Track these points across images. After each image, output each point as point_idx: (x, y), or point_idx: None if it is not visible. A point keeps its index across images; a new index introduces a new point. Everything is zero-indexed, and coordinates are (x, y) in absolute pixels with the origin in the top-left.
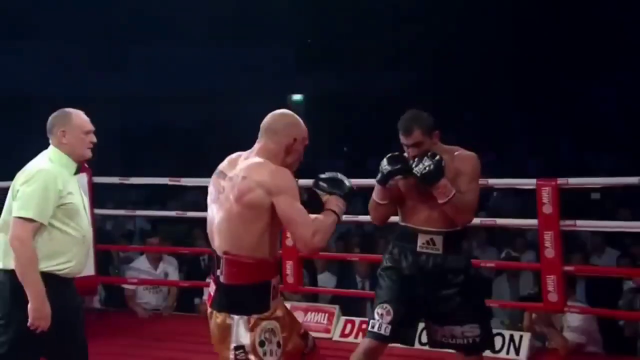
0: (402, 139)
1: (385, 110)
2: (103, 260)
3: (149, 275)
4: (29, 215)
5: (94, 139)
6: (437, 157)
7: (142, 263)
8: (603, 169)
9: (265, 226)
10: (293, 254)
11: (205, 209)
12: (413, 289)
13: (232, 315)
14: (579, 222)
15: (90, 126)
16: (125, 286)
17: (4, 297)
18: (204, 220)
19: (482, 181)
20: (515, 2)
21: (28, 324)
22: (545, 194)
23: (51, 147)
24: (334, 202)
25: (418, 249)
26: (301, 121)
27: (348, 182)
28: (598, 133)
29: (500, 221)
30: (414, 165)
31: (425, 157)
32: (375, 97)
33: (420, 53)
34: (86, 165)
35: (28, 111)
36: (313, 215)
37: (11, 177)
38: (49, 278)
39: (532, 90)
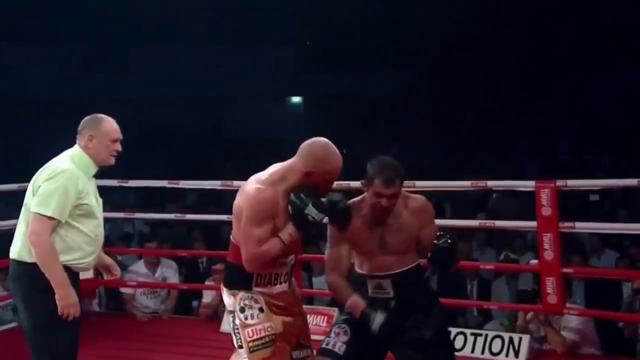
0: (382, 189)
1: (386, 112)
2: None
3: (147, 279)
4: (48, 212)
5: (119, 148)
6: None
7: (140, 267)
8: (602, 170)
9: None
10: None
11: (203, 211)
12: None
13: (222, 287)
14: (578, 224)
15: (118, 135)
16: (123, 290)
17: (25, 288)
18: (202, 223)
19: (481, 183)
20: (516, 2)
21: (58, 312)
22: (544, 196)
23: (76, 147)
24: (286, 230)
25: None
26: (332, 158)
27: (319, 214)
28: (597, 134)
29: (500, 223)
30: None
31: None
32: (375, 98)
33: (420, 54)
34: None
35: (25, 112)
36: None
37: (12, 177)
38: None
39: (532, 91)
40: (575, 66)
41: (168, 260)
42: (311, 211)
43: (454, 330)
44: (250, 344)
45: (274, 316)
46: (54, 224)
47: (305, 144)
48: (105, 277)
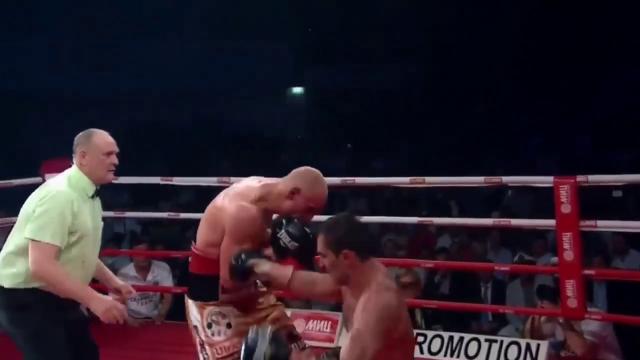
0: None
1: (391, 105)
2: None
3: (138, 284)
4: (46, 239)
5: (115, 161)
6: None
7: (130, 270)
8: (622, 166)
9: (221, 236)
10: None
11: (199, 210)
12: None
13: (187, 299)
14: (599, 222)
15: (111, 148)
16: (112, 295)
17: (5, 310)
18: (197, 222)
19: (495, 179)
20: None
21: (105, 322)
22: (564, 192)
23: (74, 167)
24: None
25: None
26: (320, 187)
27: (302, 238)
28: (616, 127)
29: (516, 221)
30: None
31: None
32: (380, 91)
33: (428, 45)
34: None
35: (14, 107)
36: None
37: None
38: (42, 294)
39: (546, 83)
40: (591, 56)
41: (161, 262)
42: (283, 236)
43: (467, 336)
44: None
45: (244, 328)
46: (55, 250)
47: (297, 169)
48: (117, 299)
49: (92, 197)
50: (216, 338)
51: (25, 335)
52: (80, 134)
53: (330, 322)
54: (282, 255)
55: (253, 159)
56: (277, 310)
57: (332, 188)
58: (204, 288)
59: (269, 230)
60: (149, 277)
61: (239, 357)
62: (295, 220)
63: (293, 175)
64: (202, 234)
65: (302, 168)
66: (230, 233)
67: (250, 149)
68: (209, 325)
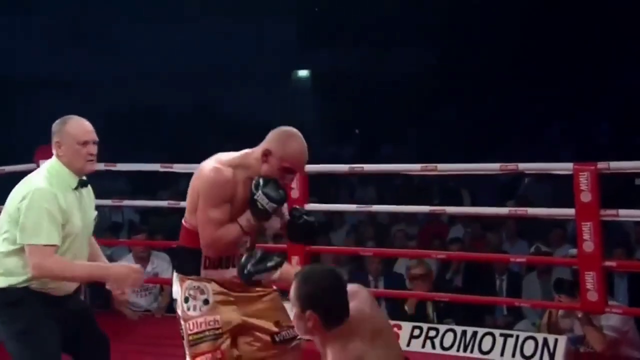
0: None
1: (402, 90)
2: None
3: None
4: (42, 242)
5: (93, 151)
6: None
7: (129, 261)
8: None
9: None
10: (299, 248)
11: None
12: None
13: (173, 273)
14: (621, 212)
15: (87, 136)
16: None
17: None
18: None
19: (511, 166)
20: None
21: (124, 295)
22: (584, 180)
23: (53, 157)
24: (245, 216)
25: None
26: (293, 146)
27: (279, 198)
28: (638, 113)
29: (532, 211)
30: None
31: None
32: (390, 74)
33: (441, 27)
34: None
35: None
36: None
37: None
38: (33, 291)
39: (564, 68)
40: (611, 40)
41: (160, 252)
42: (260, 198)
43: (480, 331)
44: (190, 337)
45: (223, 307)
46: (53, 250)
47: (273, 130)
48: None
49: (77, 188)
50: (191, 313)
51: (16, 332)
52: (56, 121)
53: None
54: (260, 218)
55: (255, 145)
56: (270, 297)
57: (339, 176)
58: (186, 260)
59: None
60: (149, 268)
61: (212, 337)
62: (273, 181)
63: (268, 136)
64: (187, 204)
65: (276, 128)
66: (204, 196)
67: (253, 135)
68: (186, 299)
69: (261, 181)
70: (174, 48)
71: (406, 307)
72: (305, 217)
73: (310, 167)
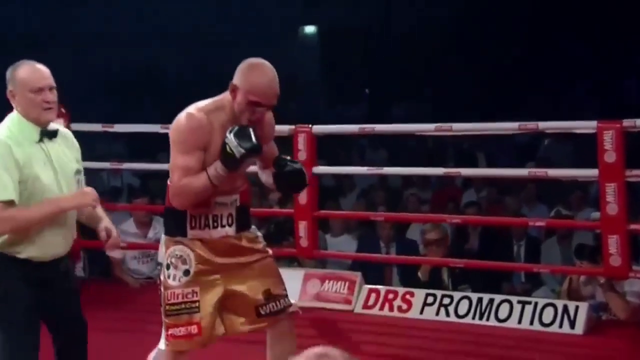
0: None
1: (415, 47)
2: None
3: (138, 241)
4: None
5: (49, 98)
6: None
7: (129, 226)
8: None
9: None
10: (307, 213)
11: None
12: None
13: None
14: None
15: (41, 82)
16: (110, 252)
17: None
18: None
19: (531, 125)
20: None
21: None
22: (608, 139)
23: (14, 110)
24: (213, 165)
25: None
26: (256, 76)
27: (249, 144)
28: None
29: (553, 172)
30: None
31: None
32: (402, 30)
33: None
34: (63, 110)
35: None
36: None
37: None
38: (7, 258)
39: (590, 22)
40: None
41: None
42: (229, 141)
43: (497, 298)
44: (167, 307)
45: (204, 278)
46: (9, 206)
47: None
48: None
49: (41, 140)
50: (170, 282)
51: None
52: (9, 68)
53: (347, 283)
54: (230, 165)
55: None
56: (262, 264)
57: (349, 137)
58: (173, 221)
59: None
60: (150, 234)
61: (188, 309)
62: (248, 128)
63: (236, 70)
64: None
65: (243, 61)
66: (174, 142)
67: None
68: (167, 266)
69: (236, 127)
70: (175, 6)
71: (419, 274)
72: (291, 164)
73: (318, 128)
